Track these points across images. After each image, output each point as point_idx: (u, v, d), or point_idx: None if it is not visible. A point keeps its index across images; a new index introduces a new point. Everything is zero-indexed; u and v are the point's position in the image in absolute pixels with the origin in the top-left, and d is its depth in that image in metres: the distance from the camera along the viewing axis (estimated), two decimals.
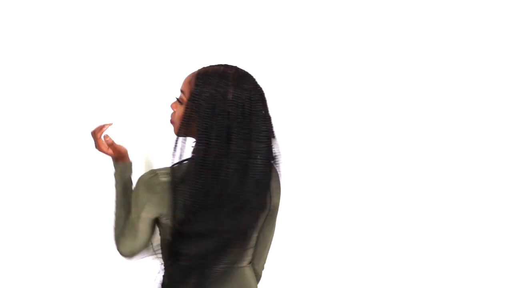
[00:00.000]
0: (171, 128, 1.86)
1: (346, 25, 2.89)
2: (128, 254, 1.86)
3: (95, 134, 1.94)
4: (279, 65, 2.88)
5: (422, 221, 3.04)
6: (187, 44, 2.84)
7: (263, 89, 1.81)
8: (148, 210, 1.76)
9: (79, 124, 2.85)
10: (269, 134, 1.76)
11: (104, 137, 1.92)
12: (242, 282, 1.87)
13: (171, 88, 2.76)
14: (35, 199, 2.90)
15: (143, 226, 1.79)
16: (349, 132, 2.97)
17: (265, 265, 2.02)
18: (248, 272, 1.91)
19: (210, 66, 1.81)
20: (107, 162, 2.92)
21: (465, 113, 2.99)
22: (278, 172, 1.87)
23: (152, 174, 1.76)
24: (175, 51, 2.84)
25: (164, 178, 1.75)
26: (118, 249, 1.87)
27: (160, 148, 2.12)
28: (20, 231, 2.92)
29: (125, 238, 1.83)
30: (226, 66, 1.80)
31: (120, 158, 1.95)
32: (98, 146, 1.95)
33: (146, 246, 1.86)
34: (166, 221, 1.78)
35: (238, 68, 1.81)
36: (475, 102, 2.99)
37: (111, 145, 1.93)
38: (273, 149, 1.78)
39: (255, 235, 1.87)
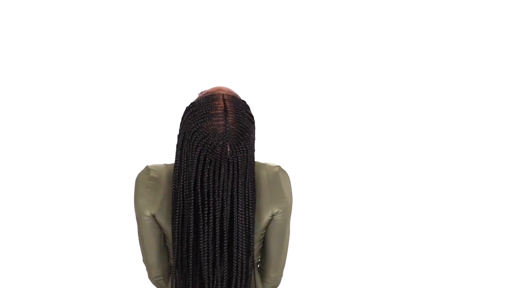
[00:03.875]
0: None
1: (342, 25, 2.90)
2: (149, 276, 1.84)
3: None
4: (278, 66, 2.88)
5: (422, 221, 3.05)
6: (186, 45, 2.85)
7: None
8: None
9: (79, 124, 2.86)
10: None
11: None
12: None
13: (170, 89, 2.76)
14: (34, 199, 2.91)
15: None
16: (347, 133, 2.97)
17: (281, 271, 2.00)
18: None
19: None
20: (106, 163, 2.93)
21: (465, 113, 3.00)
22: (279, 181, 1.82)
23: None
24: (175, 52, 2.85)
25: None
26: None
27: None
28: (20, 231, 2.92)
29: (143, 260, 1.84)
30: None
31: None
32: None
33: (161, 260, 1.80)
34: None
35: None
36: (475, 102, 2.99)
37: None
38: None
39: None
